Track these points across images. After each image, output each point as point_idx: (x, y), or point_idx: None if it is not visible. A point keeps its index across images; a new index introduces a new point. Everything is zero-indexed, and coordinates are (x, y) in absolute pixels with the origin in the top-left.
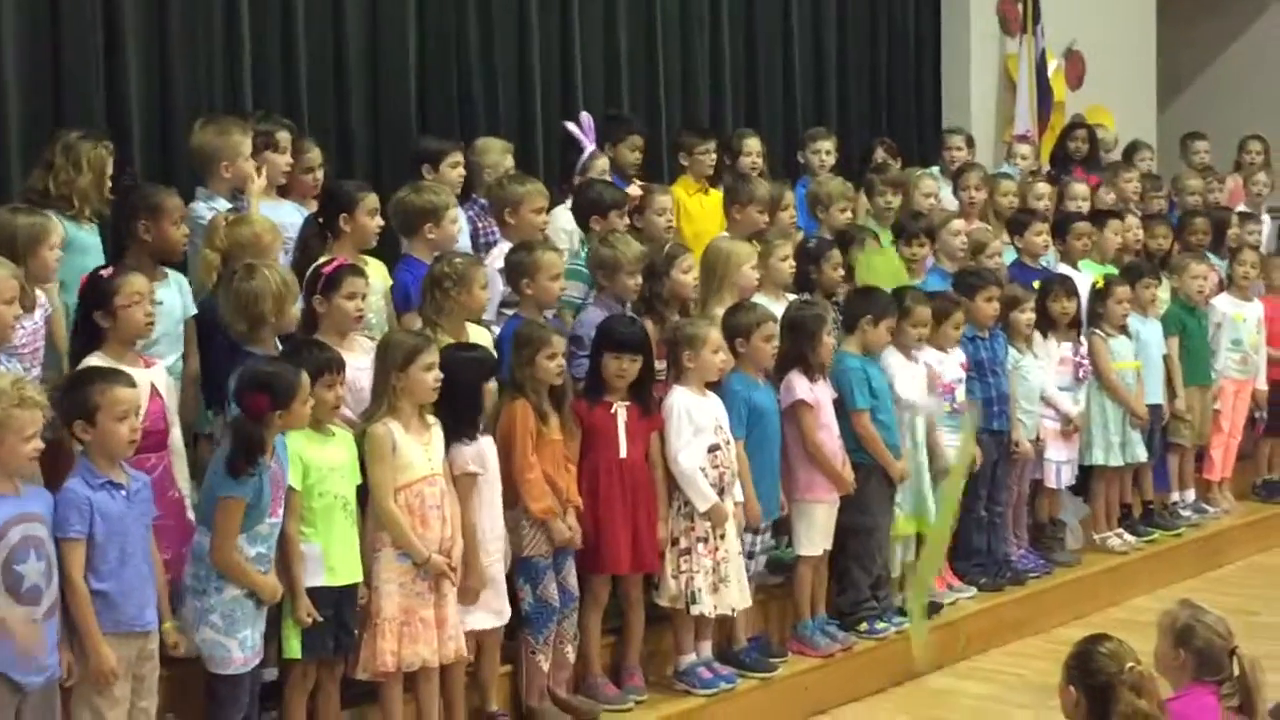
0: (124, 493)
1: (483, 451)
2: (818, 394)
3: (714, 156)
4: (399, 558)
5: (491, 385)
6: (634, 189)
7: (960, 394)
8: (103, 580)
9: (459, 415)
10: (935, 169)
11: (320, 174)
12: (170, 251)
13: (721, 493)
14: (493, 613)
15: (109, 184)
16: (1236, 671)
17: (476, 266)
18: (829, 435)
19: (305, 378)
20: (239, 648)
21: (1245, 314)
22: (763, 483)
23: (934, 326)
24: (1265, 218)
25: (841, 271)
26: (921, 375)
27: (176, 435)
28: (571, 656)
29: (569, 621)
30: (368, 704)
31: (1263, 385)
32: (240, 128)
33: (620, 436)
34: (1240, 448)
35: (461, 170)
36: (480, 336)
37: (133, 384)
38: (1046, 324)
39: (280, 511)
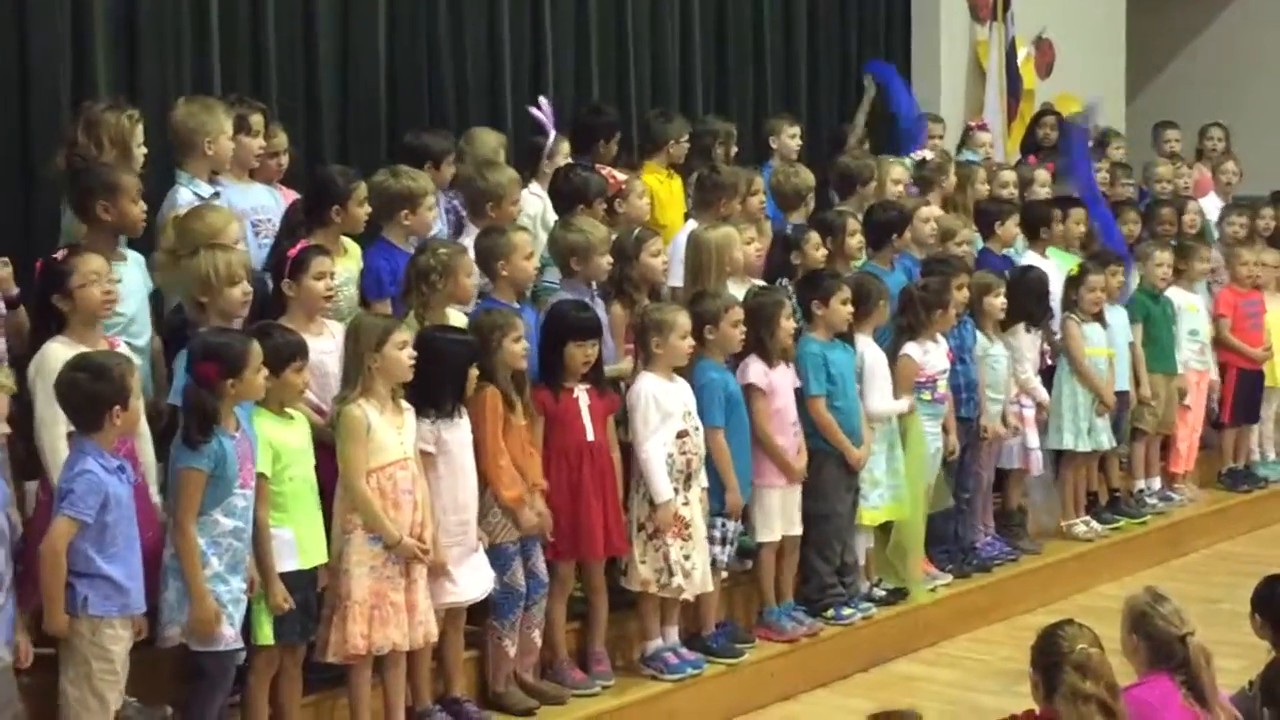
0: (126, 475)
1: (444, 432)
2: (773, 379)
3: (688, 144)
4: (370, 540)
5: (475, 371)
6: (618, 174)
7: (943, 385)
8: (113, 564)
9: (431, 395)
10: (907, 159)
11: (285, 159)
12: (131, 228)
13: (689, 479)
14: (475, 585)
15: (138, 154)
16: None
17: (462, 255)
18: (780, 422)
19: (256, 346)
20: (227, 623)
21: (1196, 304)
22: (737, 471)
23: (938, 316)
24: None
25: (823, 252)
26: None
27: (141, 416)
28: (538, 642)
29: (537, 607)
30: (331, 689)
31: (1215, 376)
32: (224, 106)
33: (585, 420)
34: (1202, 438)
35: (454, 168)
36: (457, 322)
37: (133, 361)
38: (1021, 314)
39: (252, 484)
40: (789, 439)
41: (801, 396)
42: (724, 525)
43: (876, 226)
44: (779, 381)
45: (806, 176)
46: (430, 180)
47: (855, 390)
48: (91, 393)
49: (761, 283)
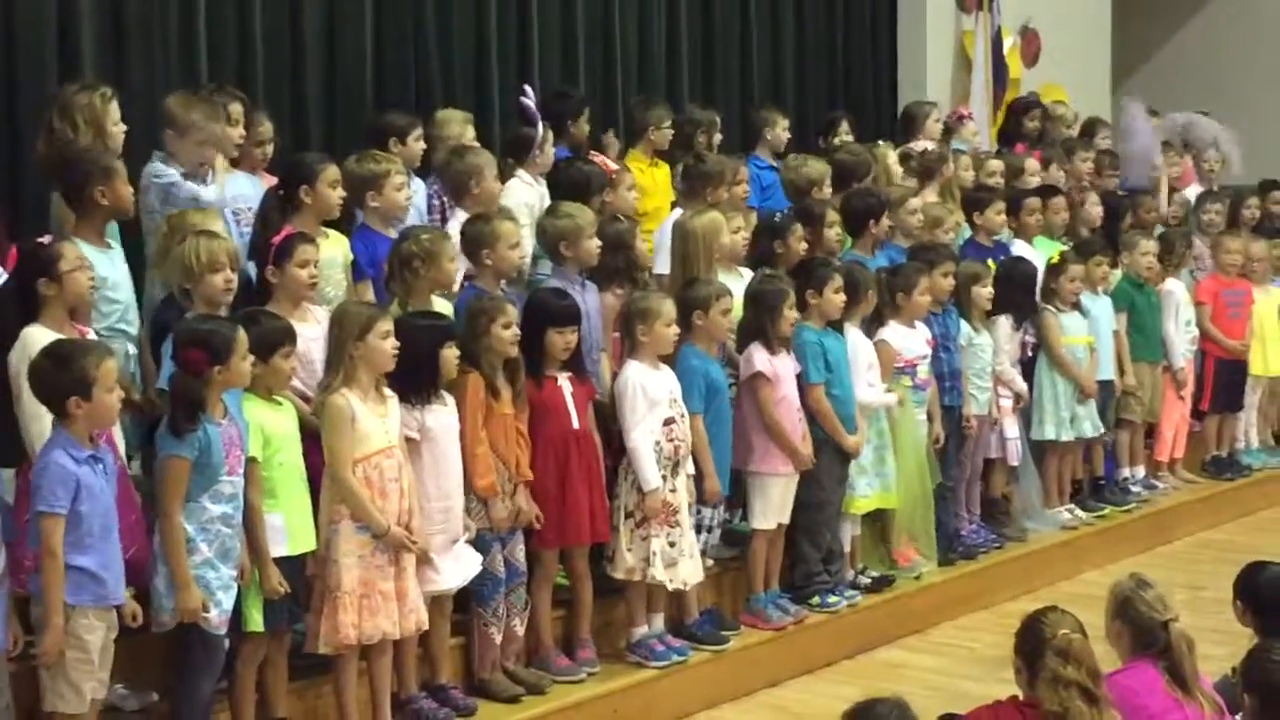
0: (102, 466)
1: (428, 418)
2: (777, 367)
3: (671, 131)
4: (358, 530)
5: (452, 353)
6: (611, 164)
7: (924, 370)
8: (85, 555)
9: (410, 381)
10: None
11: (270, 148)
12: (126, 210)
13: (676, 466)
14: (457, 573)
15: (115, 133)
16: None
17: (444, 240)
18: (787, 409)
19: (242, 334)
20: (216, 609)
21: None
22: (717, 459)
23: (901, 300)
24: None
25: (805, 245)
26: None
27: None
28: (520, 630)
29: (515, 595)
30: (317, 676)
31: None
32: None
33: (570, 408)
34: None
35: (423, 144)
36: (442, 308)
37: (112, 352)
38: (1008, 305)
39: (240, 471)
40: (795, 426)
41: (801, 384)
42: (700, 512)
43: (854, 213)
44: (782, 369)
45: (815, 167)
46: (396, 161)
47: (849, 379)
48: (53, 382)
49: (746, 270)
